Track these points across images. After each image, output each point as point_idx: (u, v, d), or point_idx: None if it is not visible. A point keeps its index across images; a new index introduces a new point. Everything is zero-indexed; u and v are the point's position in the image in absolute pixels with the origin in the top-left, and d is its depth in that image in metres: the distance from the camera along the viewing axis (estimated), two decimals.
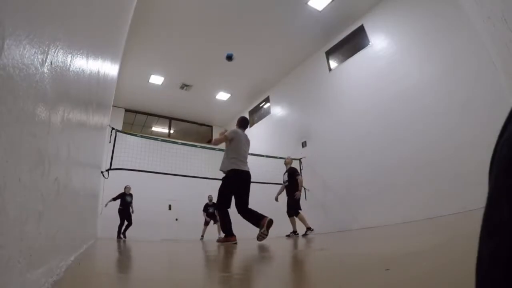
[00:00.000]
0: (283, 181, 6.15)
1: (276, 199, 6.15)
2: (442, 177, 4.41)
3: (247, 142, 3.96)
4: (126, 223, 7.64)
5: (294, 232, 5.76)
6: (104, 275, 1.34)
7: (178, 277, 1.27)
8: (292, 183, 5.84)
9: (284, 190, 6.12)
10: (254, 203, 9.37)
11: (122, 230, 7.57)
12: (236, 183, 3.64)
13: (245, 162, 3.79)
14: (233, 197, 3.68)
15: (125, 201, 7.65)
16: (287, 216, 5.77)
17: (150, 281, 1.16)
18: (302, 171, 7.50)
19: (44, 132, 0.72)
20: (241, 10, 6.32)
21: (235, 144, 3.73)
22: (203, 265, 1.82)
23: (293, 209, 5.68)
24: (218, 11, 6.32)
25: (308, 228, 5.54)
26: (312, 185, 7.17)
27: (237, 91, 9.69)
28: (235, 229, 3.72)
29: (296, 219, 5.70)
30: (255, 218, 3.47)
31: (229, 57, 4.97)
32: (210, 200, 8.40)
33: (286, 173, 6.02)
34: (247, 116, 10.76)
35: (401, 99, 5.38)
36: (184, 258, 2.35)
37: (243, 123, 4.09)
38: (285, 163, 6.24)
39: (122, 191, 7.82)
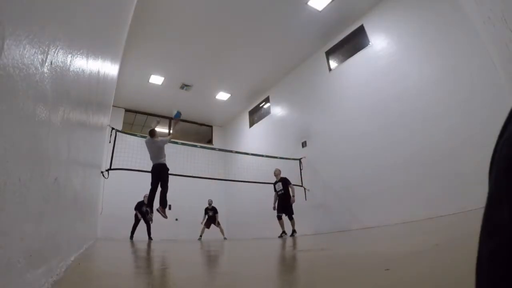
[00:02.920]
0: (275, 190, 6.50)
1: (274, 208, 6.40)
2: (442, 177, 4.41)
3: (151, 143, 5.36)
4: (146, 225, 7.56)
5: (293, 232, 6.07)
6: (104, 275, 1.34)
7: (178, 277, 1.27)
8: (287, 191, 6.30)
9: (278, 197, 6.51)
10: (255, 201, 9.36)
11: (142, 232, 7.49)
12: (151, 175, 5.35)
13: (155, 159, 5.33)
14: None
15: (141, 211, 7.59)
16: (288, 218, 6.09)
17: (150, 280, 1.16)
18: (302, 171, 7.51)
19: (44, 132, 0.72)
20: (241, 10, 6.32)
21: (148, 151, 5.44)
22: (200, 263, 1.82)
23: (292, 213, 6.12)
24: (218, 11, 6.32)
25: (284, 232, 6.14)
26: (312, 185, 7.17)
27: (237, 91, 9.68)
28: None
29: (286, 221, 6.14)
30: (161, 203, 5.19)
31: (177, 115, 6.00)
32: (210, 204, 8.44)
33: (280, 183, 6.43)
34: (247, 116, 10.77)
35: (401, 99, 5.38)
36: (182, 257, 2.35)
37: (148, 133, 5.55)
38: (275, 175, 6.60)
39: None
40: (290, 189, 6.27)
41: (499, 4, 1.73)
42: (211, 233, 8.44)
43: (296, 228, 6.07)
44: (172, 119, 6.33)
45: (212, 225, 8.26)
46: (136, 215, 7.56)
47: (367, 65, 6.28)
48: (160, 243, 5.05)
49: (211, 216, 8.29)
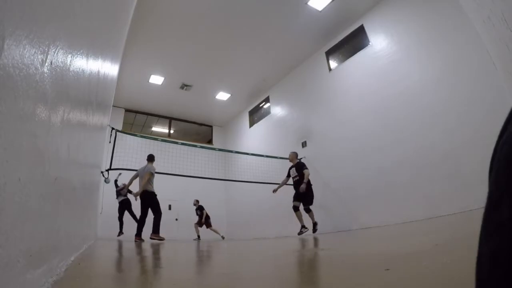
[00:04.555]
0: (288, 175, 5.91)
1: (274, 191, 5.93)
2: (442, 177, 4.41)
3: (143, 167, 5.52)
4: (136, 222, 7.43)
5: (315, 225, 5.41)
6: (104, 275, 1.34)
7: (178, 277, 1.27)
8: (302, 177, 5.55)
9: (287, 185, 6.07)
10: (254, 201, 9.35)
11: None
12: (140, 202, 5.40)
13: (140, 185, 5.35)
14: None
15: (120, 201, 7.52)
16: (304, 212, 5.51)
17: (150, 280, 1.16)
18: None
19: (44, 132, 0.72)
20: (241, 10, 6.32)
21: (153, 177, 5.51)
22: (200, 263, 1.82)
23: (309, 204, 5.38)
24: (219, 11, 6.32)
25: (303, 226, 5.43)
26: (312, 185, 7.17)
27: (237, 91, 9.68)
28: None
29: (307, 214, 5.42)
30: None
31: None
32: (194, 204, 8.56)
33: (294, 168, 5.77)
34: (247, 116, 10.77)
35: (401, 99, 5.38)
36: (182, 257, 2.35)
37: (147, 158, 5.66)
38: (290, 160, 6.04)
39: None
40: (303, 174, 5.48)
41: (499, 4, 1.73)
42: (212, 233, 8.45)
43: (298, 228, 5.84)
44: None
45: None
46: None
47: (367, 65, 6.28)
48: (159, 243, 5.05)
49: (199, 215, 8.40)
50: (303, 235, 5.35)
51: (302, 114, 8.00)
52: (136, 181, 5.61)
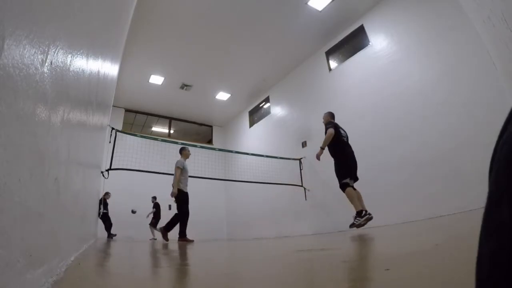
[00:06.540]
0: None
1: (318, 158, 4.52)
2: (442, 177, 4.41)
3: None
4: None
5: (359, 213, 3.92)
6: (104, 275, 1.34)
7: (176, 276, 1.27)
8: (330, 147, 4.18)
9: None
10: (254, 201, 9.34)
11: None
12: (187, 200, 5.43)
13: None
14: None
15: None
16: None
17: (150, 280, 1.16)
18: (302, 171, 7.49)
19: (44, 132, 0.72)
20: (241, 10, 6.32)
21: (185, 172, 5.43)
22: (199, 262, 1.82)
23: (339, 180, 4.05)
24: (219, 11, 6.32)
25: (359, 213, 3.84)
26: (312, 185, 7.17)
27: (237, 91, 9.69)
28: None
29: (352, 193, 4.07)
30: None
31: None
32: (153, 201, 8.42)
33: None
34: (247, 116, 10.77)
35: (401, 99, 5.38)
36: (183, 257, 2.35)
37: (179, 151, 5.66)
38: (324, 122, 4.72)
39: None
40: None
41: (499, 4, 1.73)
42: (212, 233, 8.44)
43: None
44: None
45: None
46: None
47: (367, 65, 6.28)
48: (159, 242, 5.05)
49: (154, 213, 8.24)
50: (361, 228, 3.83)
51: (302, 114, 7.99)
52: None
